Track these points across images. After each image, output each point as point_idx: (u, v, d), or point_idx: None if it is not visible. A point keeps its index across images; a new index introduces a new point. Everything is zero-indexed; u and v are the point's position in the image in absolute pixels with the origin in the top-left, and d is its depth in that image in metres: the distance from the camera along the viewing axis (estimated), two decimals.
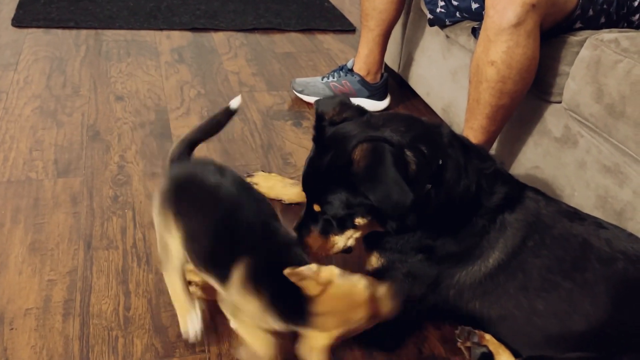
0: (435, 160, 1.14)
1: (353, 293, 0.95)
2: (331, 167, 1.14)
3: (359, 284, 0.96)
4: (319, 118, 1.23)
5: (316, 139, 1.22)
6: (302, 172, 1.23)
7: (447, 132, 1.20)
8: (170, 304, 1.28)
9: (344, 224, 1.18)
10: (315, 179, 1.19)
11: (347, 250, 1.26)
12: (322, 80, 2.23)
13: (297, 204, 1.65)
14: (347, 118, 1.21)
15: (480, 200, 1.20)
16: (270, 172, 1.76)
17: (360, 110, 1.24)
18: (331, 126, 1.20)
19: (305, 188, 1.23)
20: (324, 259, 1.45)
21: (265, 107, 2.20)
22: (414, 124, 1.18)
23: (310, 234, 1.22)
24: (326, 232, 1.21)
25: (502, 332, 1.22)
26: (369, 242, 1.28)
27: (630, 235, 1.21)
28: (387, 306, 0.97)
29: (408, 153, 1.10)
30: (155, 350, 1.20)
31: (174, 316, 1.26)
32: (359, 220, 1.17)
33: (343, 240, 1.22)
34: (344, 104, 1.24)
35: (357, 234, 1.21)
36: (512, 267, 1.19)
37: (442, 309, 1.27)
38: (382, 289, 0.97)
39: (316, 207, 1.19)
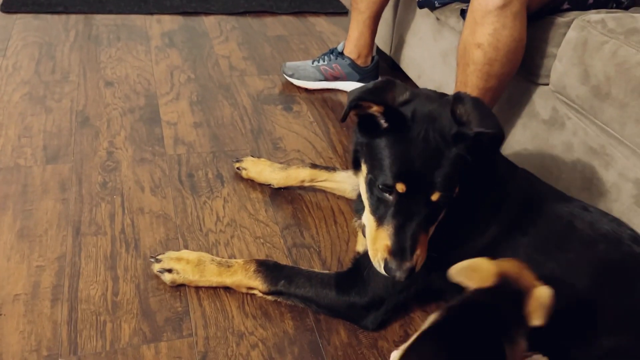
0: None
1: None
2: (456, 136, 1.03)
3: None
4: (386, 105, 1.05)
5: (397, 128, 1.05)
6: (405, 165, 1.04)
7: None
8: (158, 289, 1.30)
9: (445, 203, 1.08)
10: (440, 162, 1.03)
11: None
12: (313, 64, 2.21)
13: (286, 188, 1.65)
14: (406, 99, 1.09)
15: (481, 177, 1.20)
16: (259, 157, 1.76)
17: (404, 86, 1.13)
18: (395, 111, 1.06)
19: (416, 179, 1.04)
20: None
21: (255, 91, 2.19)
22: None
23: (419, 237, 1.06)
24: (426, 228, 1.08)
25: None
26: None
27: (613, 219, 1.22)
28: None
29: None
30: (143, 334, 1.21)
31: (161, 301, 1.28)
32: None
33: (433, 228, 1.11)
34: (397, 84, 1.12)
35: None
36: (503, 244, 1.20)
37: (431, 290, 1.29)
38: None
39: (435, 197, 1.04)
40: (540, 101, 1.58)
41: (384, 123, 1.06)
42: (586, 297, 1.11)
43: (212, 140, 1.86)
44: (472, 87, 1.52)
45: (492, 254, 1.20)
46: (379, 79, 1.17)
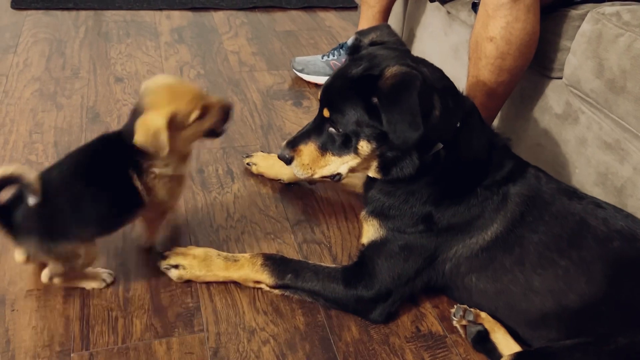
0: (456, 119, 1.17)
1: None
2: (359, 77, 1.14)
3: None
4: (360, 35, 1.28)
5: (351, 53, 1.25)
6: (325, 81, 1.24)
7: (469, 102, 1.24)
8: (169, 285, 1.30)
9: (346, 144, 1.18)
10: (338, 86, 1.19)
11: (335, 177, 1.26)
12: (322, 58, 2.20)
13: (296, 183, 1.65)
14: (387, 43, 1.25)
15: (488, 171, 1.22)
16: (269, 152, 1.75)
17: (401, 42, 1.30)
18: (370, 47, 1.24)
19: (323, 95, 1.22)
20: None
21: (265, 86, 2.18)
22: (447, 78, 1.22)
23: (308, 143, 1.23)
24: (325, 148, 1.21)
25: (499, 309, 1.23)
26: (373, 209, 1.29)
27: (628, 215, 1.20)
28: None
29: (436, 98, 1.11)
30: (155, 330, 1.21)
31: (172, 297, 1.28)
32: (362, 144, 1.16)
33: (337, 163, 1.22)
34: (389, 31, 1.30)
35: (354, 163, 1.21)
36: (509, 241, 1.19)
37: (438, 283, 1.28)
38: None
39: (326, 113, 1.19)
40: (554, 95, 1.56)
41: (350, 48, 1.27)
42: (600, 294, 1.10)
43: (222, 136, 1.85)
44: (484, 81, 1.50)
45: (497, 251, 1.20)
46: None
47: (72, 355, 1.14)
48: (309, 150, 1.23)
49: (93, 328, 1.20)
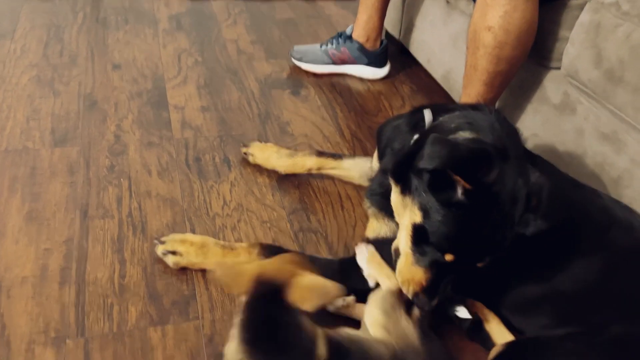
0: None
1: None
2: None
3: None
4: (478, 185, 0.97)
5: (476, 204, 0.99)
6: (465, 243, 1.03)
7: None
8: (165, 272, 1.30)
9: None
10: (496, 241, 1.03)
11: None
12: (321, 47, 2.19)
13: (294, 174, 1.64)
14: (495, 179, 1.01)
15: None
16: (267, 142, 1.75)
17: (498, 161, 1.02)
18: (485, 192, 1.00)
19: (469, 252, 1.04)
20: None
21: (263, 75, 2.17)
22: None
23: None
24: None
25: (494, 296, 1.23)
26: (381, 204, 1.25)
27: (625, 206, 1.20)
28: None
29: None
30: (150, 317, 1.21)
31: (168, 284, 1.28)
32: None
33: None
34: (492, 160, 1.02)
35: None
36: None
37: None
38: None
39: (481, 264, 1.05)
40: (552, 86, 1.55)
41: (461, 197, 0.97)
42: (596, 283, 1.10)
43: (220, 124, 1.85)
44: (482, 71, 1.50)
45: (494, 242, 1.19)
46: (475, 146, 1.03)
47: (67, 341, 1.15)
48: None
49: (88, 314, 1.21)
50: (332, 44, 2.18)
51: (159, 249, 1.32)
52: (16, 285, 1.25)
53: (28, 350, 1.13)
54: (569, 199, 1.16)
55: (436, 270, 1.06)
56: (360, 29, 2.13)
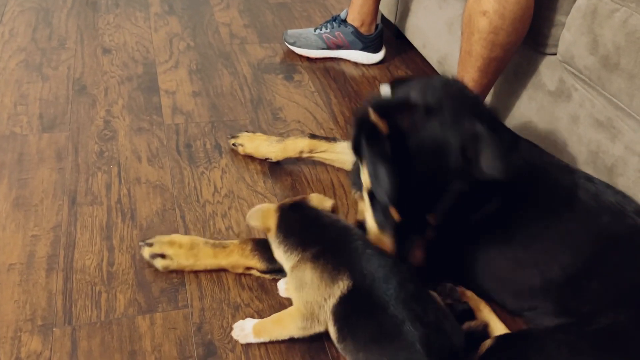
0: None
1: None
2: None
3: None
4: (394, 130, 1.03)
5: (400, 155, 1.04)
6: (404, 198, 1.06)
7: None
8: None
9: None
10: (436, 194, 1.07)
11: None
12: (315, 31, 2.16)
13: (286, 161, 1.62)
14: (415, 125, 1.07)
15: None
16: (259, 127, 1.72)
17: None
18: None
19: (414, 209, 1.08)
20: None
21: (256, 60, 2.14)
22: None
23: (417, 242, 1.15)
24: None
25: (485, 282, 1.22)
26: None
27: (618, 192, 1.19)
28: None
29: None
30: (138, 305, 1.20)
31: (157, 272, 1.27)
32: None
33: None
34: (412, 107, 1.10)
35: None
36: (499, 212, 1.18)
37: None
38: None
39: (432, 219, 1.09)
40: (547, 72, 1.53)
41: (387, 149, 1.02)
42: (586, 270, 1.09)
43: (211, 109, 1.83)
44: (477, 56, 1.47)
45: (490, 226, 1.18)
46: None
47: (54, 329, 1.14)
48: (419, 246, 1.18)
49: (76, 302, 1.19)
50: (326, 28, 2.15)
51: (146, 252, 1.26)
52: (3, 272, 1.24)
53: (14, 338, 1.12)
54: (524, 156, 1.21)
55: (397, 232, 1.10)
56: (355, 12, 2.10)
